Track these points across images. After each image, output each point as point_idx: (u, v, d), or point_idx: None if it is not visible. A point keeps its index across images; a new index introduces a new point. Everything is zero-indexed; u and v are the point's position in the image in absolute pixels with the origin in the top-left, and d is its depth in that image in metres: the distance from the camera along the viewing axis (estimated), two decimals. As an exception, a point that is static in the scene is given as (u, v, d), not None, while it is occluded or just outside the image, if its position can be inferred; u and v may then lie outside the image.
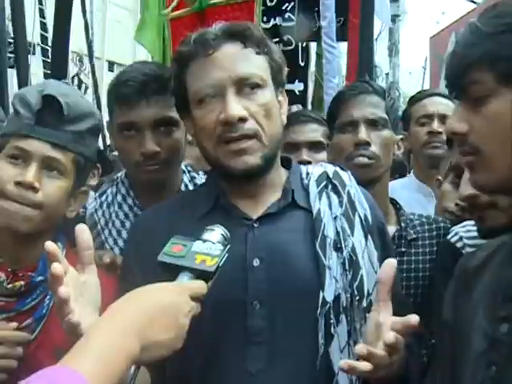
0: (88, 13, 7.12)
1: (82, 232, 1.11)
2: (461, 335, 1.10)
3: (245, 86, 1.27)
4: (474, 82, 0.99)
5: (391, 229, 1.79)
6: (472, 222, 1.56)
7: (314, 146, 2.17)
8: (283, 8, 3.46)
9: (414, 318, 1.08)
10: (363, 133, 1.75)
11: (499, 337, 0.99)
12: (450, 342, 1.14)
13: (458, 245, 1.67)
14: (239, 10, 2.78)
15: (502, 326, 1.00)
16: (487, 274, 1.10)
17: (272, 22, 3.29)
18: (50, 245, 1.01)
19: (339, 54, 3.07)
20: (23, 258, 1.40)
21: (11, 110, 1.44)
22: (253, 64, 1.29)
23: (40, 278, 1.38)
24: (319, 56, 3.83)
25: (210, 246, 1.05)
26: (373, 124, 1.78)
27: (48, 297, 1.39)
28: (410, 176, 2.89)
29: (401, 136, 1.92)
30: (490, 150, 0.99)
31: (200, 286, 1.01)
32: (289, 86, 3.25)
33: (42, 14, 5.49)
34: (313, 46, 3.65)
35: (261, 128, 1.27)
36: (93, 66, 7.63)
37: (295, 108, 3.13)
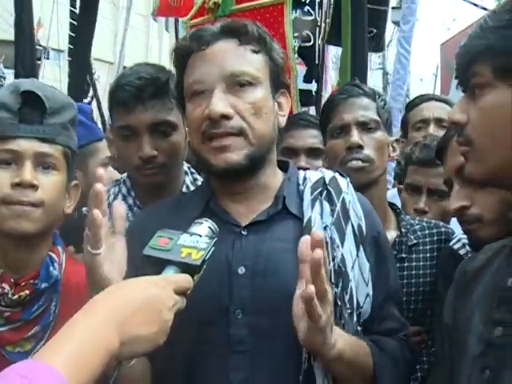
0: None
1: (118, 205, 1.15)
2: (458, 338, 1.10)
3: (234, 82, 1.24)
4: (475, 74, 1.00)
5: (391, 234, 1.77)
6: None
7: (313, 153, 2.14)
8: (303, 0, 3.36)
9: (315, 233, 1.05)
10: (355, 136, 1.72)
11: (493, 340, 1.00)
12: (449, 345, 1.14)
13: (461, 252, 1.67)
14: (268, 13, 2.68)
15: (497, 329, 1.00)
16: (486, 278, 1.11)
17: (294, 15, 3.14)
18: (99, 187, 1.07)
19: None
20: (24, 266, 1.37)
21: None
22: (246, 61, 1.26)
23: (44, 284, 1.36)
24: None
25: (197, 239, 1.03)
26: (364, 126, 1.75)
27: (53, 303, 1.38)
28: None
29: (395, 137, 1.89)
30: (481, 141, 1.01)
31: (185, 280, 0.98)
32: (306, 86, 3.20)
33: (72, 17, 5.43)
34: (331, 48, 3.60)
35: (248, 125, 1.24)
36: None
37: (312, 111, 3.10)
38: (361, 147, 1.72)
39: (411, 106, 2.76)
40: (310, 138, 2.15)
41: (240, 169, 1.25)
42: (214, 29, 1.30)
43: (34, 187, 1.31)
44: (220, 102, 1.22)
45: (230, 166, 1.24)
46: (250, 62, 1.27)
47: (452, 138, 1.41)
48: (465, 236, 1.67)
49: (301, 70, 3.12)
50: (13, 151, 1.31)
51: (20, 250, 1.36)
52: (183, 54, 1.32)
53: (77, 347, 0.79)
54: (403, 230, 1.82)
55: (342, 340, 1.15)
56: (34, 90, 1.32)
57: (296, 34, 3.14)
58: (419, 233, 1.83)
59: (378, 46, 4.24)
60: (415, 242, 1.81)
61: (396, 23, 12.90)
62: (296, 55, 3.18)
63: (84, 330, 0.82)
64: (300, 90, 2.81)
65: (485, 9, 11.46)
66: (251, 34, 1.29)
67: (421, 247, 1.81)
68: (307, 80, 3.37)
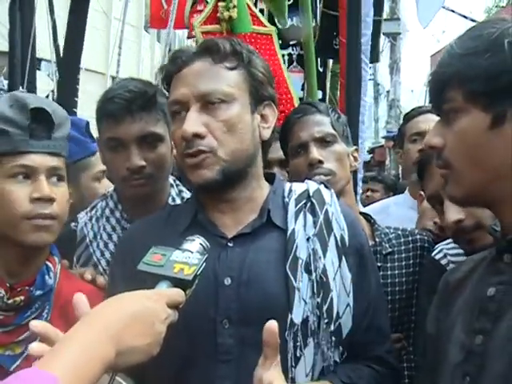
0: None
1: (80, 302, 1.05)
2: (440, 347, 1.12)
3: (207, 101, 1.27)
4: (447, 100, 1.04)
5: None
6: None
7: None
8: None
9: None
10: (314, 152, 1.76)
11: (474, 348, 1.02)
12: (432, 354, 1.16)
13: (443, 262, 1.69)
14: (260, 39, 2.80)
15: (477, 337, 1.02)
16: (467, 288, 1.13)
17: (289, 23, 3.21)
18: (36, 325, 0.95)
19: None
20: (22, 273, 1.40)
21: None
22: (219, 80, 1.29)
23: (39, 292, 1.39)
24: (334, 74, 3.83)
25: (189, 255, 1.07)
26: (322, 141, 1.79)
27: (46, 310, 1.40)
28: (406, 193, 2.92)
29: (355, 147, 1.93)
30: (458, 165, 1.04)
31: (178, 294, 1.01)
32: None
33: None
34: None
35: (218, 144, 1.27)
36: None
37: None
38: (321, 162, 1.75)
39: (407, 118, 2.79)
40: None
41: (215, 184, 1.28)
42: (192, 50, 1.34)
43: (51, 200, 1.36)
44: (192, 122, 1.26)
45: (206, 181, 1.27)
46: (223, 79, 1.29)
47: None
48: (446, 246, 1.71)
49: (299, 78, 3.16)
50: (27, 166, 1.35)
51: (21, 258, 1.40)
52: (166, 76, 1.37)
53: (75, 357, 0.82)
54: (377, 239, 1.86)
55: None
56: (43, 106, 1.37)
57: (293, 42, 3.17)
58: (394, 241, 1.87)
59: (373, 56, 4.29)
60: (390, 250, 1.85)
61: (386, 35, 13.04)
62: (295, 63, 3.22)
63: (81, 341, 0.85)
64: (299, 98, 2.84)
65: (474, 20, 11.61)
66: (224, 51, 1.31)
67: (396, 256, 1.85)
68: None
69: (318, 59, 3.61)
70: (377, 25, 4.12)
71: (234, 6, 2.75)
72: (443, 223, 1.51)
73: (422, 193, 1.96)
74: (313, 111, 1.84)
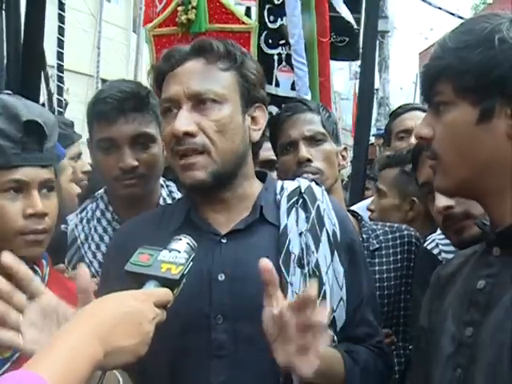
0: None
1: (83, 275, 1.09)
2: (433, 339, 1.14)
3: (199, 101, 1.28)
4: (437, 93, 1.06)
5: None
6: None
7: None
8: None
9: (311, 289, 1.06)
10: (303, 151, 1.78)
11: (465, 340, 1.04)
12: (425, 346, 1.18)
13: (435, 251, 1.72)
14: (234, 38, 2.79)
15: (467, 329, 1.04)
16: (458, 282, 1.15)
17: (279, 22, 3.17)
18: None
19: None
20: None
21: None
22: (211, 80, 1.30)
23: None
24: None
25: (176, 254, 1.07)
26: (311, 140, 1.81)
27: None
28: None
29: (343, 146, 1.95)
30: (446, 156, 1.06)
31: (165, 294, 1.02)
32: (296, 94, 3.23)
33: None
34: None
35: (211, 143, 1.27)
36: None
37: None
38: (310, 161, 1.78)
39: (395, 115, 2.81)
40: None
41: (206, 186, 1.29)
42: (185, 49, 1.34)
43: (44, 215, 1.34)
44: (183, 120, 1.26)
45: (196, 182, 1.28)
46: (215, 80, 1.30)
47: None
48: (438, 237, 1.73)
49: (289, 77, 3.16)
50: (19, 180, 1.32)
51: None
52: (158, 75, 1.37)
53: (63, 359, 0.82)
54: (364, 235, 1.88)
55: None
56: (35, 119, 1.33)
57: (283, 42, 3.18)
58: (382, 237, 1.90)
59: (353, 54, 4.29)
60: (377, 246, 1.87)
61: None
62: (284, 63, 3.21)
63: (69, 342, 0.85)
64: (288, 98, 2.83)
65: (461, 17, 11.66)
66: (217, 52, 1.32)
67: (383, 251, 1.87)
68: (295, 88, 3.39)
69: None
70: (356, 23, 4.11)
71: (193, 8, 2.75)
72: (433, 211, 1.52)
73: None
74: (304, 109, 1.86)
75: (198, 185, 1.28)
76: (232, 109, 1.31)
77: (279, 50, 3.20)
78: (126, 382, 1.14)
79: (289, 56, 3.21)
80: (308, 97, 2.76)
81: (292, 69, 3.14)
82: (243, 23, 2.90)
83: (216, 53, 1.32)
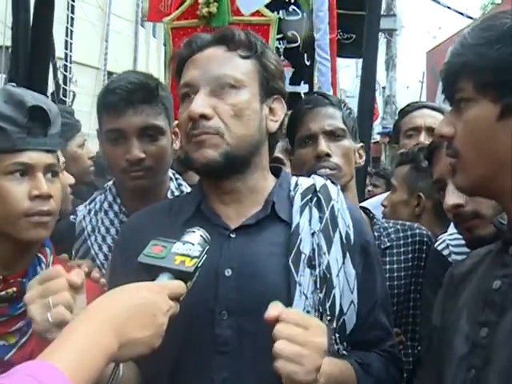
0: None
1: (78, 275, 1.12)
2: (446, 339, 1.12)
3: (218, 85, 1.27)
4: (458, 90, 1.04)
5: None
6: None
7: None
8: (287, 0, 3.28)
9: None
10: (323, 145, 1.76)
11: (479, 340, 1.02)
12: (438, 346, 1.17)
13: (445, 252, 1.70)
14: (253, 30, 2.79)
15: (482, 330, 1.03)
16: (472, 282, 1.14)
17: (276, 16, 3.10)
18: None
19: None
20: (15, 265, 1.41)
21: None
22: (231, 66, 1.29)
23: None
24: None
25: (190, 247, 1.06)
26: (331, 135, 1.78)
27: None
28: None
29: (361, 144, 1.93)
30: (466, 153, 1.04)
31: (179, 286, 1.01)
32: (294, 88, 3.18)
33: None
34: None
35: (225, 126, 1.26)
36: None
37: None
38: (328, 155, 1.75)
39: (403, 113, 2.79)
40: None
41: (217, 166, 1.26)
42: (207, 37, 1.34)
43: (49, 197, 1.37)
44: (200, 103, 1.25)
45: (208, 161, 1.25)
46: (235, 66, 1.30)
47: None
48: (449, 237, 1.71)
49: (287, 72, 3.13)
50: (25, 164, 1.36)
51: (17, 251, 1.40)
52: (178, 61, 1.36)
53: (79, 350, 0.82)
54: (376, 233, 1.86)
55: (327, 369, 1.15)
56: (40, 104, 1.37)
57: (280, 36, 3.13)
58: (393, 235, 1.88)
59: (360, 51, 4.26)
60: (389, 244, 1.85)
61: (382, 31, 13.02)
62: (282, 57, 3.18)
63: (84, 333, 0.85)
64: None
65: (470, 17, 11.63)
66: (239, 40, 1.32)
67: (395, 250, 1.85)
68: (294, 82, 3.36)
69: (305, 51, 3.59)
70: (361, 20, 4.05)
71: (215, 1, 2.74)
72: (444, 207, 1.51)
73: None
74: (325, 103, 1.83)
75: (209, 163, 1.25)
76: (250, 95, 1.30)
77: (276, 44, 3.18)
78: (127, 374, 1.13)
79: (287, 50, 3.19)
80: (330, 93, 2.74)
81: (290, 63, 3.12)
82: (262, 15, 2.89)
83: (237, 41, 1.32)
